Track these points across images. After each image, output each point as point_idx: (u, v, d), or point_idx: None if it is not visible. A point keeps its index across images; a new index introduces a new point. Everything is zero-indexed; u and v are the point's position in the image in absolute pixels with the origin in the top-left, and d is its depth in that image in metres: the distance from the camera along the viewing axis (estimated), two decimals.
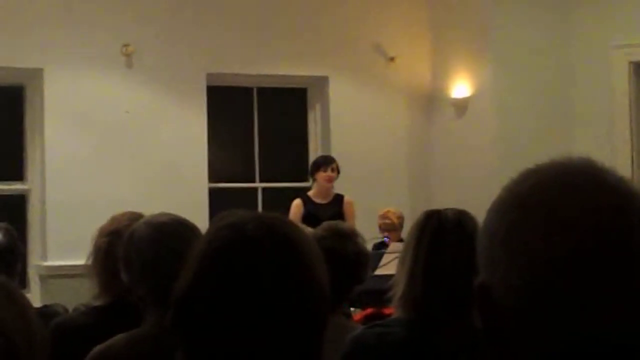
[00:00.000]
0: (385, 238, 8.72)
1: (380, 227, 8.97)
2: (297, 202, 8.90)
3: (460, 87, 10.13)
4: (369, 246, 7.38)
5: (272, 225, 1.61)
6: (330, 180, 8.91)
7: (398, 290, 2.96)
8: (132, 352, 2.67)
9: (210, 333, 1.55)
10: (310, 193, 9.02)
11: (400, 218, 8.98)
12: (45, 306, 4.04)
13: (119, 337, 2.74)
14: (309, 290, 1.58)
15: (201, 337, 1.56)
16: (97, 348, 2.74)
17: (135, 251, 2.80)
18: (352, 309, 5.85)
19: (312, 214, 8.57)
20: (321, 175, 8.92)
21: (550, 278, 1.13)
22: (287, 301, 1.56)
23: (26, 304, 1.51)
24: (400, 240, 8.24)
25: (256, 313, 1.54)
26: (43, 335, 1.50)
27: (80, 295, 3.63)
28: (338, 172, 9.00)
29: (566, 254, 1.13)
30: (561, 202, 1.16)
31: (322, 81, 10.19)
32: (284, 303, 1.55)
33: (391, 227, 8.91)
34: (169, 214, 2.87)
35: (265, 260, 1.57)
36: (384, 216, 9.02)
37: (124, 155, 9.22)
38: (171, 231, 2.78)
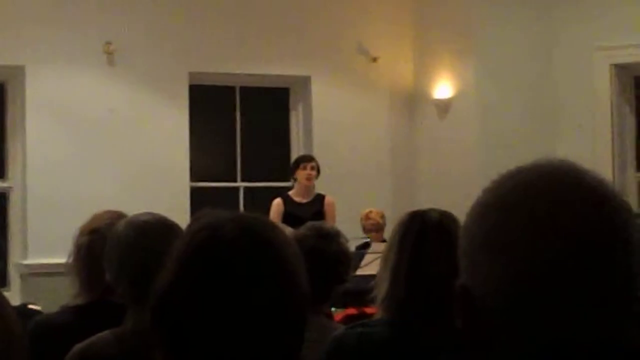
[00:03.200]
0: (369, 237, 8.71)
1: (364, 228, 8.96)
2: (277, 202, 8.90)
3: (443, 88, 10.14)
4: (352, 247, 7.40)
5: (249, 226, 1.61)
6: (309, 178, 8.91)
7: (381, 291, 2.96)
8: (113, 349, 2.67)
9: (189, 333, 1.55)
10: (290, 192, 9.02)
11: (383, 217, 8.98)
12: (24, 304, 4.03)
13: (100, 335, 2.74)
14: (287, 291, 1.58)
15: (180, 338, 1.56)
16: (78, 346, 2.73)
17: (114, 249, 2.80)
18: (332, 309, 5.85)
19: (292, 214, 8.56)
20: (301, 174, 8.92)
21: (530, 280, 1.14)
22: (265, 302, 1.55)
23: (4, 302, 1.50)
24: (384, 240, 8.24)
25: (235, 314, 1.54)
26: (21, 333, 1.49)
27: (60, 294, 3.61)
28: (318, 172, 8.99)
29: (546, 256, 1.13)
30: (542, 204, 1.16)
31: (305, 81, 10.19)
32: (262, 304, 1.55)
33: (377, 227, 8.91)
34: (152, 213, 2.87)
35: (242, 261, 1.56)
36: (367, 217, 9.02)
37: (105, 153, 9.20)
38: (150, 230, 2.78)
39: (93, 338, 2.73)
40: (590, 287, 1.13)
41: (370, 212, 9.05)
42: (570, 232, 1.14)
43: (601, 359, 1.14)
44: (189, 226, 1.64)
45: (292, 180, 9.15)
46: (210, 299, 1.54)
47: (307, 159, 9.11)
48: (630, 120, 9.80)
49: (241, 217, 1.64)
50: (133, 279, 2.72)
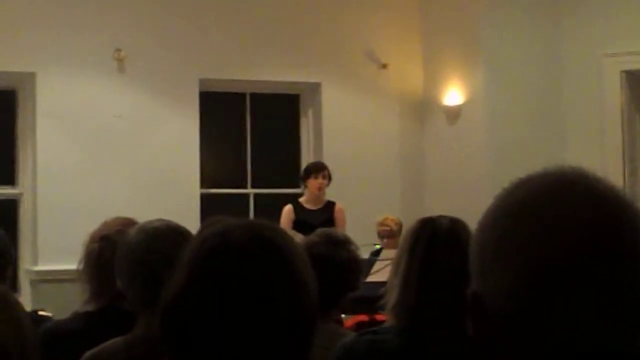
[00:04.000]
0: (378, 245, 8.71)
1: (378, 233, 8.97)
2: (287, 208, 8.89)
3: (453, 94, 10.14)
4: (366, 254, 7.41)
5: (259, 232, 1.61)
6: (321, 187, 8.91)
7: (391, 298, 2.95)
8: (124, 356, 2.67)
9: (198, 340, 1.55)
10: (301, 199, 9.01)
11: (399, 225, 8.96)
12: (34, 311, 4.03)
13: (111, 342, 2.74)
14: (296, 297, 1.58)
15: (189, 344, 1.56)
16: (89, 353, 2.73)
17: (126, 255, 2.80)
18: (342, 315, 5.85)
19: (302, 220, 8.56)
20: (312, 183, 8.91)
21: (542, 286, 1.14)
22: (274, 308, 1.55)
23: (18, 309, 1.50)
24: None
25: (244, 320, 1.54)
26: (34, 340, 1.50)
27: (71, 300, 3.62)
28: (329, 179, 8.98)
29: (558, 262, 1.13)
30: (553, 211, 1.16)
31: (315, 87, 10.20)
32: (271, 310, 1.55)
33: (389, 234, 8.90)
34: (164, 220, 2.87)
35: (252, 267, 1.56)
36: (382, 223, 9.02)
37: (115, 160, 9.21)
38: (162, 236, 2.78)
39: (103, 345, 2.74)
40: (602, 294, 1.13)
41: (386, 218, 9.05)
42: (582, 239, 1.14)
43: None
44: (199, 232, 1.64)
45: (302, 187, 9.14)
46: (219, 304, 1.54)
47: (319, 168, 9.05)
48: None
49: (251, 223, 1.64)
50: (144, 285, 2.72)
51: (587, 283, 1.13)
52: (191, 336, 1.55)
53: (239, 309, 1.54)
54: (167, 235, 2.77)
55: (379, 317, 5.65)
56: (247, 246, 1.57)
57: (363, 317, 6.34)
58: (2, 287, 1.53)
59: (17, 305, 1.51)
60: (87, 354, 2.74)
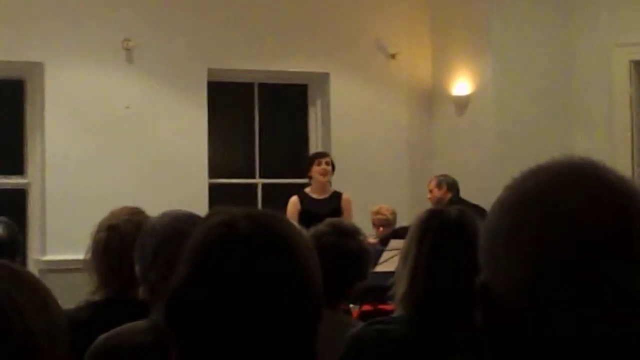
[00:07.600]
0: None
1: (374, 222, 8.99)
2: (293, 200, 8.86)
3: (461, 85, 10.13)
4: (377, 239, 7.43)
5: (264, 222, 1.60)
6: (325, 173, 8.86)
7: (400, 289, 2.96)
8: (145, 338, 2.64)
9: (204, 330, 1.55)
10: (307, 189, 8.99)
11: (393, 214, 9.05)
12: None
13: (132, 324, 2.71)
14: (302, 287, 1.57)
15: (194, 335, 1.55)
16: (105, 334, 2.71)
17: (150, 238, 2.78)
18: (350, 305, 5.85)
19: (309, 210, 8.54)
20: (316, 169, 8.88)
21: (551, 276, 1.13)
22: (279, 298, 1.55)
23: (48, 294, 1.51)
24: (392, 234, 8.24)
25: (249, 310, 1.53)
26: (63, 325, 1.50)
27: (79, 290, 3.62)
28: (333, 168, 8.96)
29: (568, 252, 1.13)
30: (563, 201, 1.16)
31: (323, 78, 10.19)
32: (276, 300, 1.55)
33: (386, 222, 8.95)
34: (191, 212, 2.85)
35: (257, 256, 1.56)
36: (378, 212, 9.07)
37: (124, 150, 9.22)
38: (189, 221, 2.75)
39: (128, 325, 2.71)
40: (611, 283, 1.13)
41: (381, 207, 9.11)
42: (591, 229, 1.13)
43: (625, 355, 1.14)
44: (203, 222, 1.64)
45: (308, 178, 9.12)
46: (224, 295, 1.54)
47: (321, 155, 9.09)
48: None
49: (255, 213, 1.64)
50: (162, 266, 2.68)
51: (596, 274, 1.13)
52: (196, 327, 1.55)
53: (243, 299, 1.53)
54: (191, 220, 2.74)
55: (382, 306, 5.67)
56: (253, 236, 1.57)
57: (369, 307, 6.34)
58: (31, 272, 1.53)
59: (46, 290, 1.51)
60: (103, 336, 2.71)
